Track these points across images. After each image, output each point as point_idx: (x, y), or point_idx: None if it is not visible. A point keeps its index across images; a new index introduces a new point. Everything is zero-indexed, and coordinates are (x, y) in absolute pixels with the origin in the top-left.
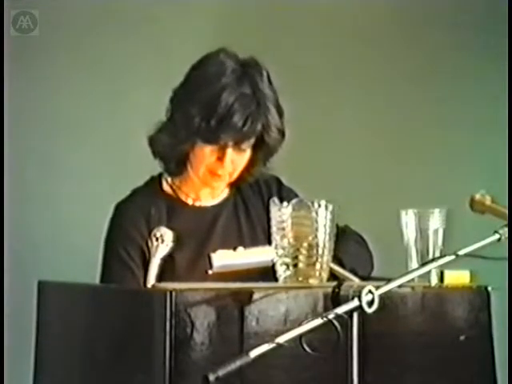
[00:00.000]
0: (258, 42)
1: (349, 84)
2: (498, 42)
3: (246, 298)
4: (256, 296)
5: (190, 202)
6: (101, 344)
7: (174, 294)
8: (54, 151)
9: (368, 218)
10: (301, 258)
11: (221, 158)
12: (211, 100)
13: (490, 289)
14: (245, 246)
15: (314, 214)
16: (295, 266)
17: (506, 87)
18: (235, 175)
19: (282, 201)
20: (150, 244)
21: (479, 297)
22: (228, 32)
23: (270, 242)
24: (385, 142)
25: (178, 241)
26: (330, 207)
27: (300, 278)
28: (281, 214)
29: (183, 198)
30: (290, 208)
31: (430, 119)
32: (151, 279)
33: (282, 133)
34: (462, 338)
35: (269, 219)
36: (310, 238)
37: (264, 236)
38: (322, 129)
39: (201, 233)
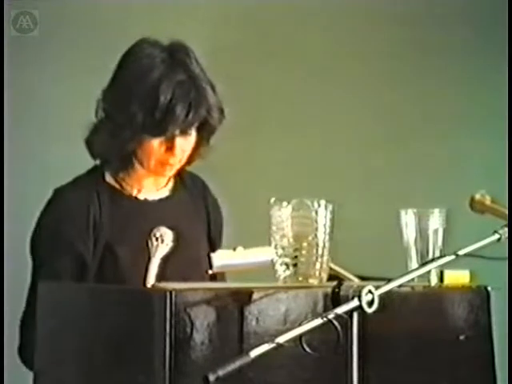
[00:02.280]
0: (257, 42)
1: (348, 84)
2: (498, 42)
3: (245, 297)
4: (256, 296)
5: (134, 194)
6: (101, 344)
7: (173, 293)
8: (54, 151)
9: (368, 218)
10: (301, 257)
11: (170, 148)
12: (150, 94)
13: (489, 289)
14: (189, 244)
15: (313, 214)
16: (295, 265)
17: (506, 87)
18: (184, 159)
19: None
20: (149, 244)
21: (479, 297)
22: (226, 34)
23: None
24: (385, 142)
25: (119, 233)
26: (330, 207)
27: (300, 278)
28: (281, 213)
29: (128, 189)
30: (289, 208)
31: (430, 119)
32: (151, 279)
33: (221, 111)
34: (461, 337)
35: (209, 217)
36: (310, 238)
37: (204, 234)
38: (321, 129)
39: (146, 227)
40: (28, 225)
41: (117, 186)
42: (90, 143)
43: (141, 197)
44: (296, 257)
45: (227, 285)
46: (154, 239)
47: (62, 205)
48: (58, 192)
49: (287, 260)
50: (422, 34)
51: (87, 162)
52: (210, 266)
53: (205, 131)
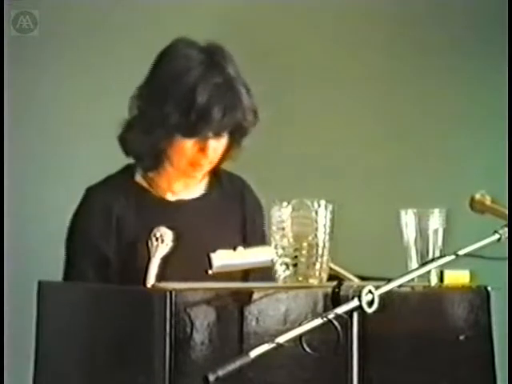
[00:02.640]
0: (257, 40)
1: (348, 84)
2: (498, 42)
3: (245, 297)
4: (256, 296)
5: (164, 194)
6: (101, 344)
7: (173, 293)
8: (54, 151)
9: (368, 218)
10: (300, 257)
11: (202, 149)
12: (186, 95)
13: (489, 289)
14: (226, 242)
15: (313, 214)
16: (295, 265)
17: (506, 87)
18: (215, 161)
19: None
20: (149, 244)
21: (479, 297)
22: (229, 31)
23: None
24: (385, 142)
25: (144, 232)
26: (330, 207)
27: (300, 278)
28: (280, 213)
29: (157, 189)
30: (289, 208)
31: (429, 119)
32: (151, 279)
33: (255, 113)
34: (461, 337)
35: (245, 217)
36: (310, 238)
37: (238, 236)
38: (321, 128)
39: (178, 227)
40: (28, 224)
41: (146, 185)
42: (123, 140)
43: (170, 197)
44: (296, 257)
45: (227, 285)
46: (154, 239)
47: (88, 204)
48: (87, 191)
49: (287, 260)
50: (422, 34)
51: (88, 162)
52: (210, 266)
53: (237, 133)
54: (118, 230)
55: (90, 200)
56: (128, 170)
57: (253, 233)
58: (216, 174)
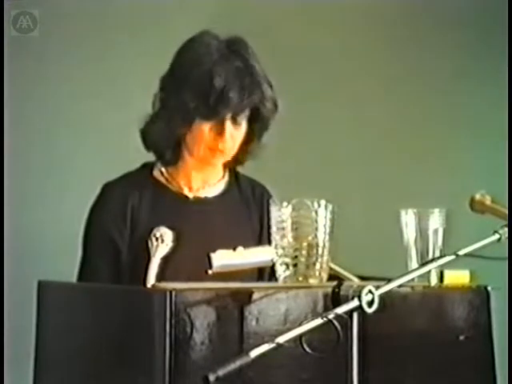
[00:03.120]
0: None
1: (348, 83)
2: (499, 42)
3: (245, 297)
4: (256, 296)
5: (182, 190)
6: (101, 344)
7: (173, 293)
8: (54, 151)
9: (368, 218)
10: (301, 257)
11: (220, 133)
12: (203, 78)
13: (489, 289)
14: (239, 244)
15: (313, 214)
16: (295, 265)
17: (506, 87)
18: (234, 151)
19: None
20: (149, 244)
21: (479, 297)
22: (231, 27)
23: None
24: (385, 142)
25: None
26: (330, 207)
27: (300, 278)
28: (281, 213)
29: (175, 185)
30: (289, 208)
31: (430, 119)
32: (151, 279)
33: (275, 104)
34: (461, 338)
35: (261, 224)
36: (310, 238)
37: (254, 238)
38: (321, 128)
39: (184, 224)
40: (28, 224)
41: (163, 181)
42: (144, 134)
43: (188, 193)
44: (296, 257)
45: (227, 285)
46: (154, 239)
47: (104, 199)
48: (103, 187)
49: (287, 260)
50: (423, 34)
51: (88, 162)
52: (210, 266)
53: (256, 124)
54: (132, 224)
55: (107, 195)
56: (146, 167)
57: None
58: (236, 176)
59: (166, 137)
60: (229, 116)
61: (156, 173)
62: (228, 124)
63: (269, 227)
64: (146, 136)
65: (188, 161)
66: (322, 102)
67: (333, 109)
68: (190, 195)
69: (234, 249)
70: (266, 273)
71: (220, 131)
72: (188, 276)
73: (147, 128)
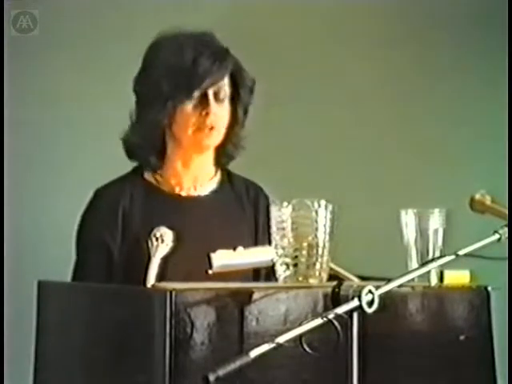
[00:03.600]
0: (254, 41)
1: (348, 84)
2: (498, 42)
3: (245, 297)
4: (256, 296)
5: (172, 191)
6: (101, 344)
7: (173, 293)
8: (54, 151)
9: (368, 218)
10: (301, 257)
11: (205, 108)
12: (173, 59)
13: (489, 289)
14: (233, 242)
15: (313, 214)
16: (295, 265)
17: (506, 87)
18: (221, 133)
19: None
20: (149, 244)
21: (479, 297)
22: (231, 30)
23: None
24: (385, 142)
25: (150, 227)
26: (330, 207)
27: (300, 278)
28: (281, 213)
29: (166, 186)
30: (289, 208)
31: (429, 119)
32: (151, 279)
33: (251, 81)
34: (461, 337)
35: (257, 223)
36: (310, 238)
37: (249, 236)
38: (321, 128)
39: (177, 222)
40: (28, 224)
41: (154, 183)
42: (126, 143)
43: (179, 192)
44: (296, 257)
45: (227, 285)
46: (154, 239)
47: (95, 203)
48: (95, 192)
49: (287, 260)
50: (423, 35)
51: (88, 162)
52: (210, 266)
53: (238, 106)
54: (124, 227)
55: (98, 199)
56: (137, 170)
57: (264, 242)
58: (228, 175)
59: (148, 140)
60: (210, 90)
61: (147, 175)
62: (211, 98)
63: (268, 227)
64: (128, 145)
65: (176, 160)
66: (321, 102)
67: (333, 109)
68: (182, 194)
69: (234, 249)
70: (262, 274)
71: (205, 106)
72: (183, 275)
73: (128, 137)
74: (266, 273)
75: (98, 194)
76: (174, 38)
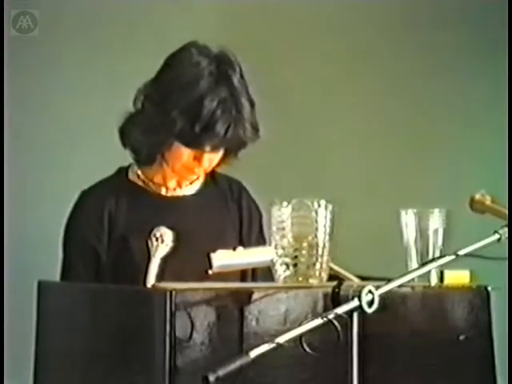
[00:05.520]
0: (254, 43)
1: (348, 83)
2: (499, 43)
3: (245, 297)
4: (256, 296)
5: (159, 190)
6: (101, 344)
7: (173, 293)
8: (54, 151)
9: (368, 218)
10: (301, 257)
11: (198, 159)
12: (193, 106)
13: (489, 289)
14: (218, 240)
15: (313, 214)
16: (295, 265)
17: (506, 87)
18: (210, 168)
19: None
20: (149, 244)
21: (479, 297)
22: (229, 28)
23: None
24: (385, 142)
25: (136, 227)
26: (330, 207)
27: (300, 278)
28: (280, 213)
29: (151, 186)
30: (289, 208)
31: (429, 119)
32: (151, 279)
33: (256, 131)
34: (461, 337)
35: (241, 219)
36: (310, 238)
37: (234, 233)
38: (321, 128)
39: (163, 222)
40: (28, 224)
41: (139, 183)
42: (123, 132)
43: (164, 193)
44: (296, 257)
45: (227, 285)
46: (154, 239)
47: (80, 206)
48: (80, 194)
49: (287, 260)
50: (423, 35)
51: (88, 162)
52: (210, 266)
53: (235, 147)
54: (110, 228)
55: (82, 201)
56: (121, 171)
57: (248, 238)
58: (212, 173)
59: (144, 144)
60: (209, 148)
61: (131, 176)
62: (207, 154)
63: (251, 223)
64: (124, 135)
65: (164, 166)
66: (321, 102)
67: (333, 108)
68: (168, 194)
69: (234, 249)
70: (248, 275)
71: (199, 157)
72: (171, 274)
73: (127, 128)
74: (253, 271)
75: (83, 195)
76: (197, 76)
